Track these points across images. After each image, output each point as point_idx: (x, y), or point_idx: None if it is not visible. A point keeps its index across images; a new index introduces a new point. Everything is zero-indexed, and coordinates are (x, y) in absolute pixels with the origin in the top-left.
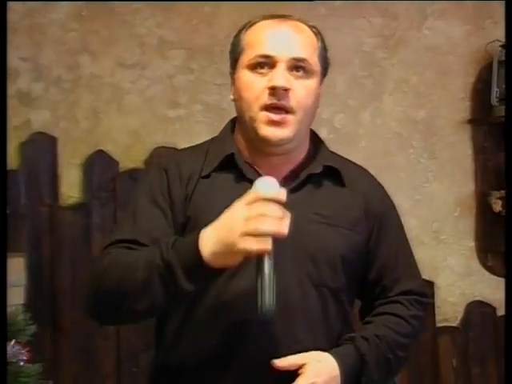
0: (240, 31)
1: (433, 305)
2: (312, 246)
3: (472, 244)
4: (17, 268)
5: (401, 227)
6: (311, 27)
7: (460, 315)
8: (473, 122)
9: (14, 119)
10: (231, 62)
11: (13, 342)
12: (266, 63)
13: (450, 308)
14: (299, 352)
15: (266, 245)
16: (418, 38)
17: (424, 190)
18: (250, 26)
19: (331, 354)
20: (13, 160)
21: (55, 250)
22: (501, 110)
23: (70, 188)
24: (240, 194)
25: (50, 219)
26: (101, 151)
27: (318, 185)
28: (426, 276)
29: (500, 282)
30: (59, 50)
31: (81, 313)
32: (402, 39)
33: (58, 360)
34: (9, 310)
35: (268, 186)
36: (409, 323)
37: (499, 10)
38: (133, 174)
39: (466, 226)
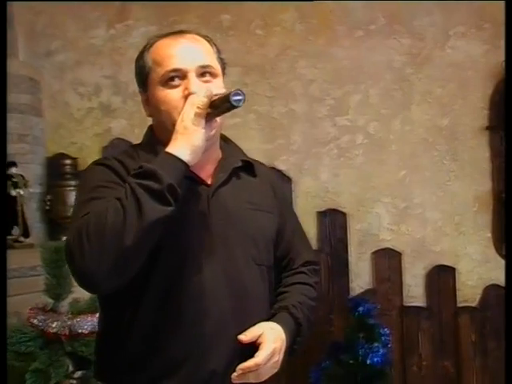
0: (142, 53)
1: (454, 287)
2: (252, 231)
3: (489, 235)
4: None
5: (293, 209)
6: (204, 37)
7: (478, 297)
8: (490, 128)
9: (96, 127)
10: (140, 83)
11: (96, 314)
12: (177, 76)
13: (469, 291)
14: (253, 324)
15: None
16: (441, 56)
17: (447, 188)
18: (150, 46)
19: (276, 322)
20: None
21: None
22: None
23: None
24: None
25: None
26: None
27: (239, 177)
28: (448, 263)
29: None
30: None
31: None
32: (427, 57)
33: None
34: None
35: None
36: (314, 289)
37: None
38: None
39: (484, 219)
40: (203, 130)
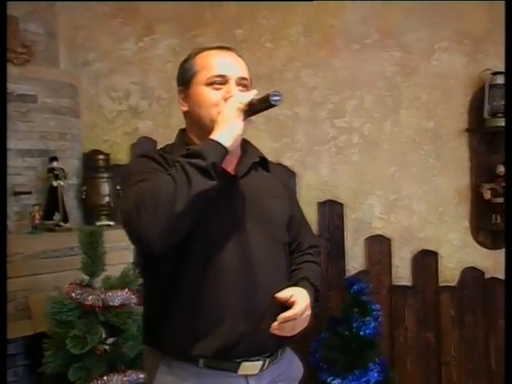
0: (187, 59)
1: (436, 269)
2: (271, 213)
3: (467, 224)
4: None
5: (298, 201)
6: (240, 56)
7: (457, 278)
8: (469, 131)
9: (126, 127)
10: (182, 82)
11: (126, 290)
12: (220, 81)
13: (449, 272)
14: (278, 290)
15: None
16: (427, 67)
17: (431, 183)
18: (195, 54)
19: (302, 287)
20: (125, 157)
21: None
22: (491, 122)
23: None
24: None
25: None
26: None
27: (257, 170)
28: (431, 247)
29: (488, 253)
30: (160, 77)
31: None
32: (415, 68)
33: None
34: (122, 266)
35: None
36: (320, 266)
37: (491, 46)
38: None
39: (463, 210)
40: (242, 123)
